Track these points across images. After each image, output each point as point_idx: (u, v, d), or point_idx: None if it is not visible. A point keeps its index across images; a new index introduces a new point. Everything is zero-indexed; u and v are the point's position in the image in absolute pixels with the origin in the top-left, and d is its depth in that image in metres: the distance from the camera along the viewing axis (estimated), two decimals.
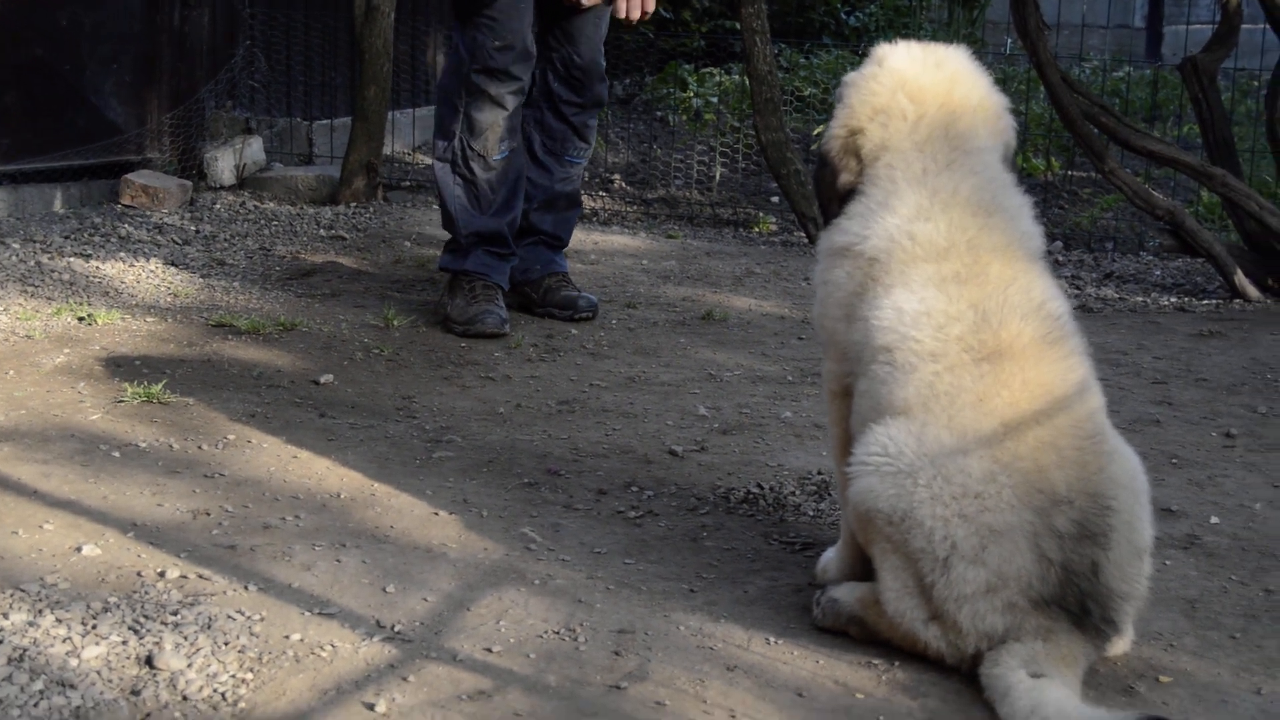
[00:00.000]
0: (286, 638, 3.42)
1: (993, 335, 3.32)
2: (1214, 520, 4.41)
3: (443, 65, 7.52)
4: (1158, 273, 8.35)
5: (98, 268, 7.21)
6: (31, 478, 4.38)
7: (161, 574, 3.72)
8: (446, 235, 6.62)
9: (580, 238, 8.39)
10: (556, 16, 6.50)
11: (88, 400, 5.15)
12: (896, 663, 3.40)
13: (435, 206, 9.44)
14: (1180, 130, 11.34)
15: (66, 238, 7.80)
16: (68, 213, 8.40)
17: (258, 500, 4.30)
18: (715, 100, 10.76)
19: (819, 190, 3.75)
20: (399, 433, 5.00)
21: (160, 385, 5.22)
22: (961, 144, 3.57)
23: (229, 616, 3.49)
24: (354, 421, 5.09)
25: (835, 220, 3.65)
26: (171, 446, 4.73)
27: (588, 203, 9.62)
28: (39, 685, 3.10)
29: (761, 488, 4.59)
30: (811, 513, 4.42)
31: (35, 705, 3.03)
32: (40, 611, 3.45)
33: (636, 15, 6.47)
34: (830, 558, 3.80)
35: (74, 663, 3.23)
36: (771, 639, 3.53)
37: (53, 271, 7.05)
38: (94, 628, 3.39)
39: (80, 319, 6.19)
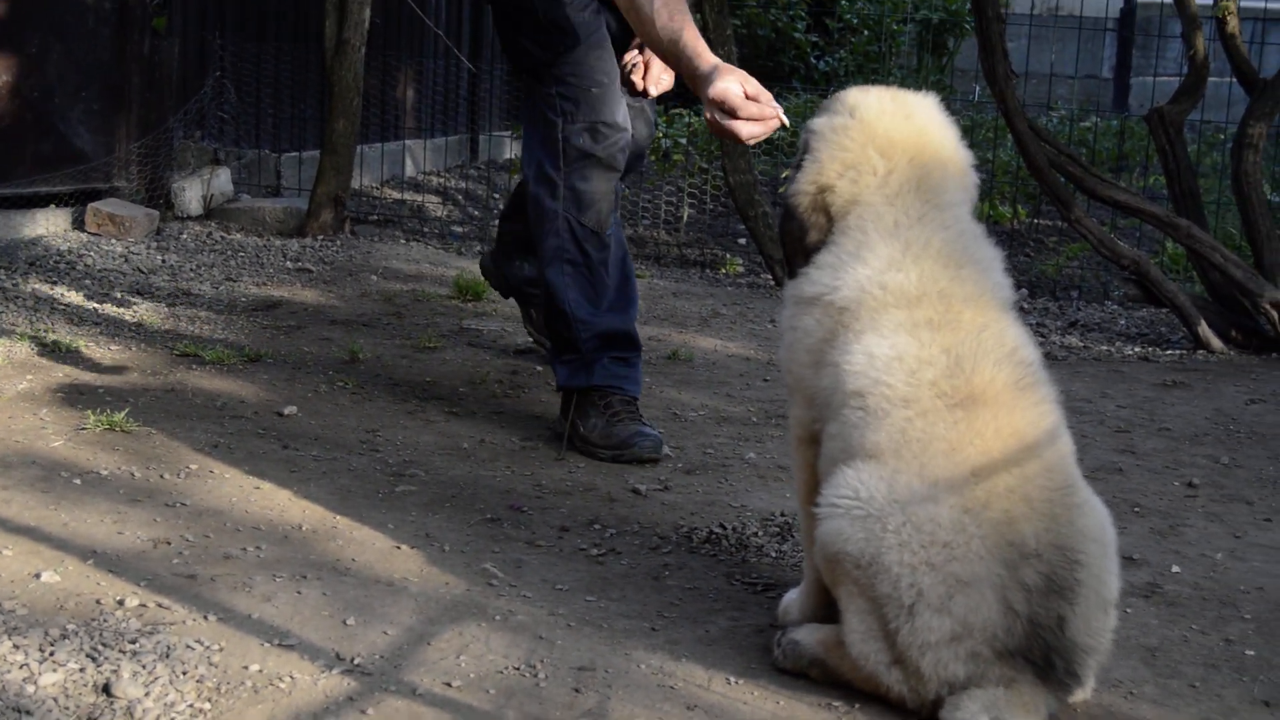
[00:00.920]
0: (245, 668, 3.40)
1: (965, 381, 3.31)
2: (1175, 569, 4.42)
3: (521, 156, 6.24)
4: (1122, 322, 8.38)
5: (62, 295, 7.19)
6: None
7: (120, 602, 3.70)
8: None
9: None
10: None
11: (50, 427, 5.12)
12: (856, 705, 3.40)
13: (403, 241, 9.46)
14: (1146, 181, 11.41)
15: (31, 264, 7.77)
16: (33, 239, 8.36)
17: (219, 530, 4.28)
18: (684, 141, 10.78)
19: (785, 242, 3.71)
20: (362, 466, 4.99)
21: (123, 414, 5.20)
22: (933, 198, 3.55)
23: (188, 646, 3.47)
24: (317, 454, 5.07)
25: (804, 269, 3.63)
26: (133, 475, 4.70)
27: None
28: None
29: (725, 528, 4.58)
30: (774, 554, 4.42)
31: None
32: None
33: (655, 92, 5.69)
34: (792, 599, 3.79)
35: (31, 689, 3.21)
36: (732, 679, 3.52)
37: (16, 298, 7.01)
38: (51, 654, 3.37)
39: (43, 346, 6.16)
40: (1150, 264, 7.85)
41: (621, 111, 5.29)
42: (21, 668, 3.30)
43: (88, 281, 7.52)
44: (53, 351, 6.11)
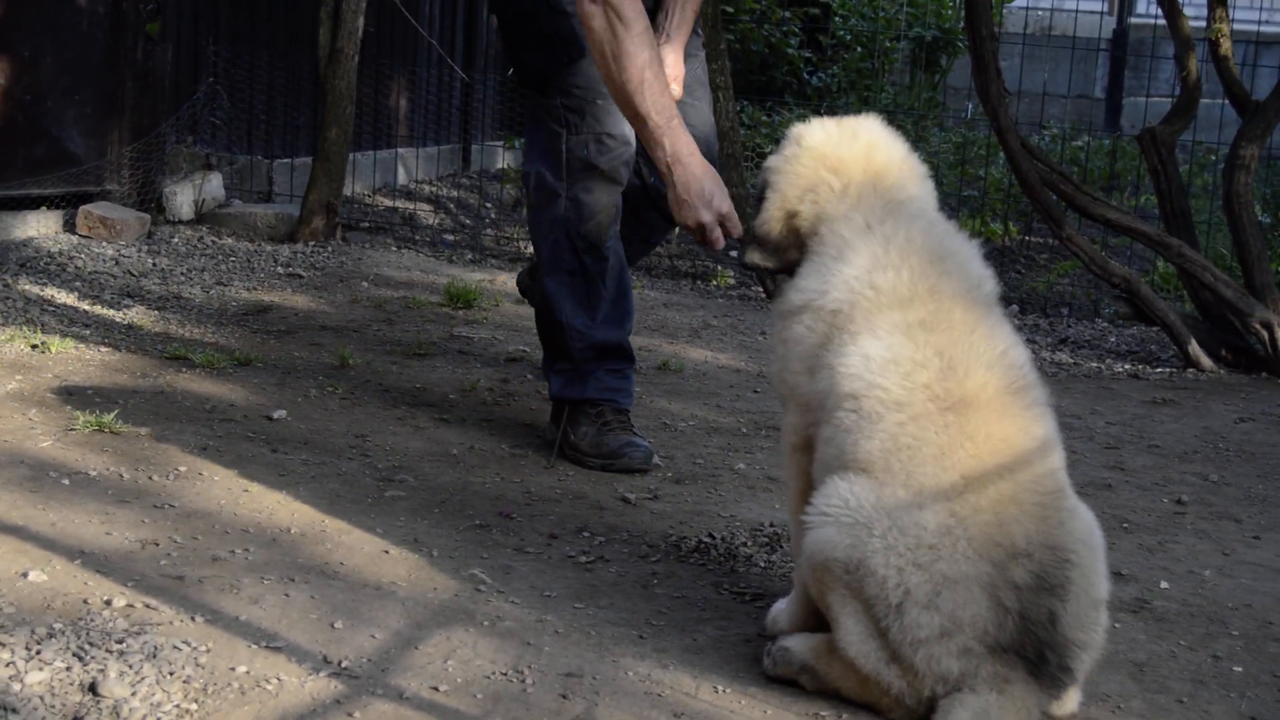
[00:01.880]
0: (232, 670, 3.40)
1: (958, 384, 3.33)
2: (1164, 585, 4.42)
3: (521, 167, 6.22)
4: (1112, 339, 8.40)
5: (53, 296, 7.18)
6: None
7: (108, 602, 3.69)
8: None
9: None
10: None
11: (39, 427, 5.11)
12: (844, 714, 3.40)
13: (395, 248, 9.45)
14: (1138, 200, 11.45)
15: (22, 266, 7.76)
16: (24, 241, 8.34)
17: (207, 532, 4.27)
18: None
19: (760, 271, 3.80)
20: (351, 470, 4.98)
21: (112, 415, 5.19)
22: (893, 195, 3.65)
23: (175, 646, 3.46)
24: (306, 458, 5.07)
25: (789, 282, 3.70)
26: (122, 476, 4.69)
27: None
28: None
29: (713, 537, 4.58)
30: (763, 564, 4.42)
31: None
32: None
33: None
34: (781, 609, 3.79)
35: (17, 687, 3.20)
36: (720, 687, 3.52)
37: (7, 299, 7.00)
38: (38, 653, 3.36)
39: (33, 346, 6.15)
40: (1141, 282, 7.87)
41: (625, 124, 5.14)
42: (8, 666, 3.29)
43: (78, 284, 7.51)
44: (43, 352, 6.10)
